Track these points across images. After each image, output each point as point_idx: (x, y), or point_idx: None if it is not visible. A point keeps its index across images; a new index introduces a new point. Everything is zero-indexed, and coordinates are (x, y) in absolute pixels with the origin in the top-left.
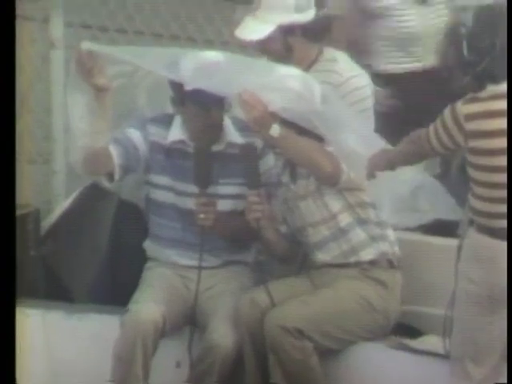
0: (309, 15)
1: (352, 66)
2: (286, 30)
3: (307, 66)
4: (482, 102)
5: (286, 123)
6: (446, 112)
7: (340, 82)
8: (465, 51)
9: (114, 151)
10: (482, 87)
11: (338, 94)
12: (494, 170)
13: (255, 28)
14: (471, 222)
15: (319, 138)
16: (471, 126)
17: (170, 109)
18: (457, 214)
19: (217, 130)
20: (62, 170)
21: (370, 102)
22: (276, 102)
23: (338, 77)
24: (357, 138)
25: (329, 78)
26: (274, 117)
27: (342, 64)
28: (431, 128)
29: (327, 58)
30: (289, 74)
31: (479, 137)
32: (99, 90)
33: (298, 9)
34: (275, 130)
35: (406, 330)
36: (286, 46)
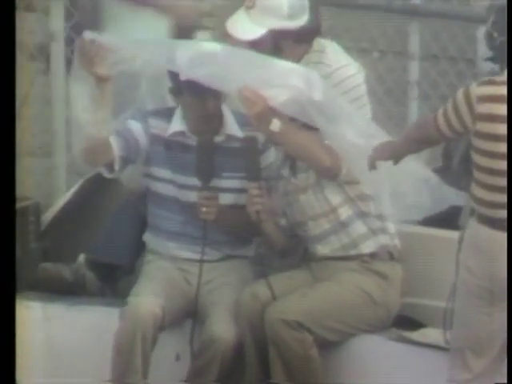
0: (301, 22)
1: (341, 56)
2: (277, 35)
3: (297, 60)
4: (497, 85)
5: (287, 117)
6: (459, 93)
7: (328, 72)
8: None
9: (114, 142)
10: (500, 67)
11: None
12: (498, 156)
13: (247, 28)
14: (472, 212)
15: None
16: (482, 108)
17: (170, 98)
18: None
19: (215, 120)
20: (62, 163)
21: (362, 90)
22: (276, 97)
23: (326, 68)
24: (357, 130)
25: (317, 70)
26: (275, 112)
27: (330, 54)
28: (440, 111)
29: (316, 49)
30: (289, 69)
31: (487, 120)
32: (100, 80)
33: (291, 16)
34: (275, 125)
35: (406, 322)
36: (276, 48)
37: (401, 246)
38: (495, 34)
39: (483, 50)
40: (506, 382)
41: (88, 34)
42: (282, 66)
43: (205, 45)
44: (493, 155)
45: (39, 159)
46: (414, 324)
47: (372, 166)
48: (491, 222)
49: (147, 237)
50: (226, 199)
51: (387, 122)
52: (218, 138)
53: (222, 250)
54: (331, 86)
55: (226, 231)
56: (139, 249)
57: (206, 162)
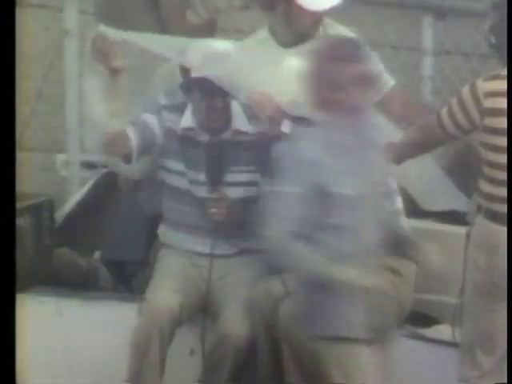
0: None
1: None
2: None
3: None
4: (503, 79)
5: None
6: (465, 89)
7: None
8: (492, 39)
9: (131, 133)
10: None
11: None
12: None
13: None
14: (479, 209)
15: None
16: (489, 103)
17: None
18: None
19: (224, 116)
20: (76, 160)
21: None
22: (285, 93)
23: None
24: None
25: None
26: (285, 113)
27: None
28: (444, 110)
29: (328, 32)
30: (298, 65)
31: (496, 115)
32: (115, 72)
33: None
34: (286, 126)
35: (420, 318)
36: None
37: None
38: (492, 39)
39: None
40: (506, 382)
41: (102, 29)
42: (291, 62)
43: (217, 43)
44: (503, 150)
45: (53, 155)
46: (427, 320)
47: None
48: (499, 218)
49: (161, 229)
50: (235, 193)
51: None
52: (226, 135)
53: (234, 243)
54: None
55: (237, 225)
56: (150, 243)
57: (215, 166)
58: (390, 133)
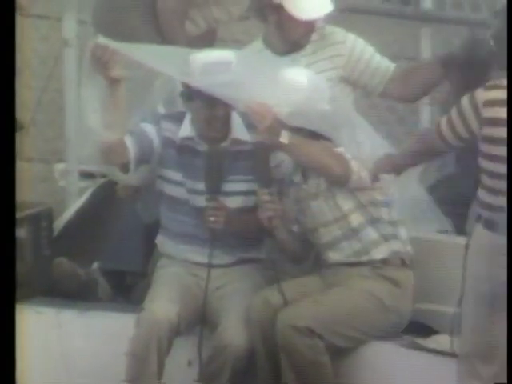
0: None
1: (345, 32)
2: None
3: (302, 37)
4: (503, 89)
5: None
6: (465, 99)
7: (349, 48)
8: (494, 48)
9: (129, 142)
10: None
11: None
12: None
13: None
14: (478, 218)
15: (328, 140)
16: (488, 112)
17: (180, 102)
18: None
19: (223, 125)
20: (74, 170)
21: (378, 56)
22: (284, 105)
23: (343, 45)
24: (364, 138)
25: (336, 51)
26: (283, 124)
27: (339, 33)
28: (443, 120)
29: (323, 33)
30: (298, 76)
31: (495, 124)
32: (114, 82)
33: None
34: (284, 136)
35: (418, 328)
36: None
37: (413, 252)
38: (492, 43)
39: None
40: (506, 382)
41: (101, 40)
42: (291, 72)
43: (220, 53)
44: (501, 159)
45: (52, 165)
46: (426, 330)
47: (374, 179)
48: (499, 227)
49: (159, 239)
50: (234, 202)
51: (399, 128)
52: (225, 144)
53: (233, 252)
54: (345, 97)
55: (236, 234)
56: (149, 253)
57: (214, 174)
58: (379, 143)
